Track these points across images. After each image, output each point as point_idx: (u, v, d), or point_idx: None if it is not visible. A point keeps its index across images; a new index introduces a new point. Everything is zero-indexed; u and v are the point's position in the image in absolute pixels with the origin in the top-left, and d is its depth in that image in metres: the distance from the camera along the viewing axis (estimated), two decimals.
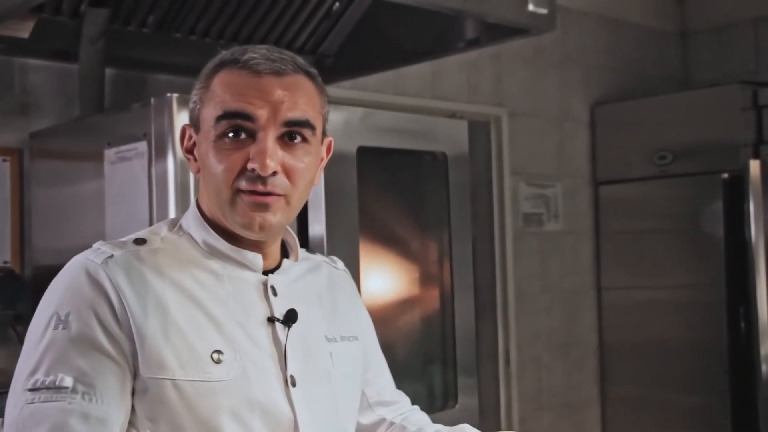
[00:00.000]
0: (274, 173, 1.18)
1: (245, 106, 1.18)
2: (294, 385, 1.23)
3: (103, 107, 2.47)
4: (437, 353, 2.47)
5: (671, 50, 4.58)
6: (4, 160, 2.46)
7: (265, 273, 1.27)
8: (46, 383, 1.09)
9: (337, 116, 2.17)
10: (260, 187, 1.18)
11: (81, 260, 1.19)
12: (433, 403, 2.42)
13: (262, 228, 1.21)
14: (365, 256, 2.23)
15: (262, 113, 1.18)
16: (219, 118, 1.19)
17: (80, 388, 1.10)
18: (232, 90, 1.19)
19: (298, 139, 1.21)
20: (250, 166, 1.18)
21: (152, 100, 1.96)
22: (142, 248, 1.22)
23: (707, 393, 3.78)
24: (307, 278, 1.36)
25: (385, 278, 2.36)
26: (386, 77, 3.33)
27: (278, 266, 1.30)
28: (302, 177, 1.22)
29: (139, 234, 1.26)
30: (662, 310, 3.94)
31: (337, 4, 2.84)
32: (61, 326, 1.12)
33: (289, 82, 1.20)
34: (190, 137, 1.27)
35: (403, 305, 2.38)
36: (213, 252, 1.25)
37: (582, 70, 4.15)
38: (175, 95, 1.91)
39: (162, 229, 1.29)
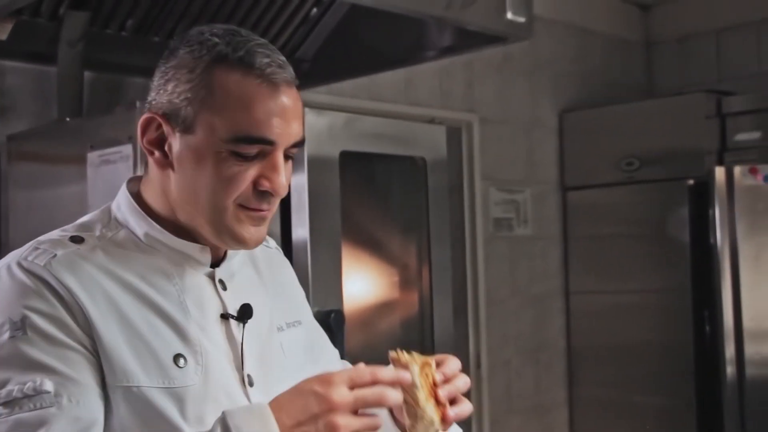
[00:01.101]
0: None
1: (270, 131, 1.11)
2: (252, 384, 1.19)
3: (82, 110, 2.47)
4: None
5: (636, 59, 4.67)
6: None
7: (211, 266, 1.21)
8: (24, 391, 1.01)
9: (320, 121, 2.20)
10: (265, 206, 1.15)
11: (20, 262, 1.10)
12: None
13: (257, 243, 1.18)
14: (347, 259, 2.25)
15: (281, 136, 1.13)
16: (239, 139, 1.11)
17: (62, 390, 1.03)
18: (253, 108, 1.10)
19: (292, 152, 1.18)
20: (264, 186, 1.13)
21: (137, 103, 1.96)
22: (82, 247, 1.13)
23: (673, 395, 3.84)
24: (249, 265, 1.30)
25: (366, 281, 2.38)
26: (361, 83, 3.35)
27: (223, 258, 1.23)
28: (286, 191, 1.19)
29: (71, 231, 1.16)
30: (629, 314, 4.01)
31: (315, 9, 2.86)
32: (19, 332, 1.04)
33: (295, 95, 1.15)
34: (158, 128, 1.15)
35: (384, 308, 2.41)
36: (156, 245, 1.17)
37: (551, 77, 4.21)
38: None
39: (96, 225, 1.19)
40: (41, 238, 1.15)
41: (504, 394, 3.93)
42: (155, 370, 1.10)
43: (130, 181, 1.26)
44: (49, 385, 1.02)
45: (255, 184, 1.13)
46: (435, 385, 1.12)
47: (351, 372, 1.05)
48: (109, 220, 1.20)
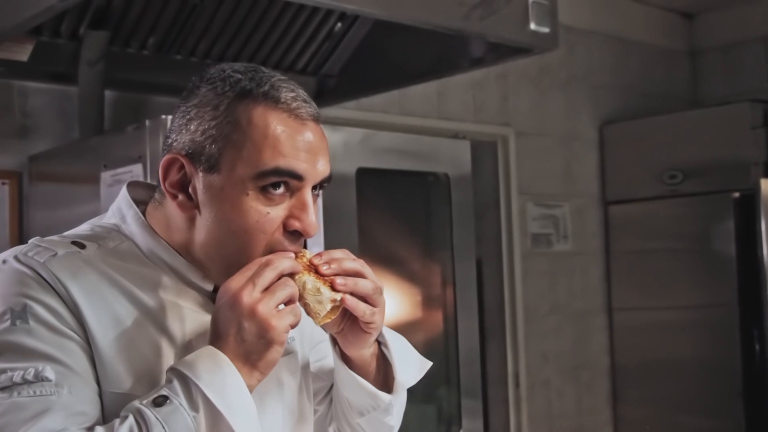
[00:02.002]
0: None
1: (298, 165, 1.08)
2: None
3: (103, 129, 2.46)
4: (441, 376, 2.43)
5: (679, 68, 4.55)
6: (3, 183, 2.45)
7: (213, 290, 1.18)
8: (24, 377, 1.00)
9: (336, 137, 2.15)
10: (295, 249, 1.11)
11: (18, 256, 1.08)
12: (438, 427, 2.38)
13: None
14: None
15: (309, 172, 1.09)
16: (266, 174, 1.07)
17: (64, 381, 1.01)
18: (280, 142, 1.07)
19: (319, 190, 1.15)
20: (294, 226, 1.09)
21: (147, 122, 1.94)
22: (83, 252, 1.11)
23: (721, 416, 3.71)
24: None
25: (387, 301, 2.32)
26: (391, 97, 3.31)
27: None
28: (316, 231, 1.16)
29: (73, 237, 1.14)
30: (675, 331, 3.89)
31: (339, 25, 2.83)
32: (20, 321, 1.03)
33: (320, 131, 1.13)
34: (181, 169, 1.12)
35: (406, 328, 2.34)
36: (157, 262, 1.14)
37: (589, 89, 4.12)
38: (170, 117, 1.89)
39: (97, 234, 1.16)
40: (42, 238, 1.13)
41: (544, 415, 3.83)
42: (146, 379, 1.08)
43: (131, 188, 1.21)
44: (50, 373, 1.01)
45: (284, 225, 1.10)
46: (313, 265, 1.10)
47: (246, 273, 1.05)
48: (110, 230, 1.17)
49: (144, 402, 0.99)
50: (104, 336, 1.06)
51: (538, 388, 3.81)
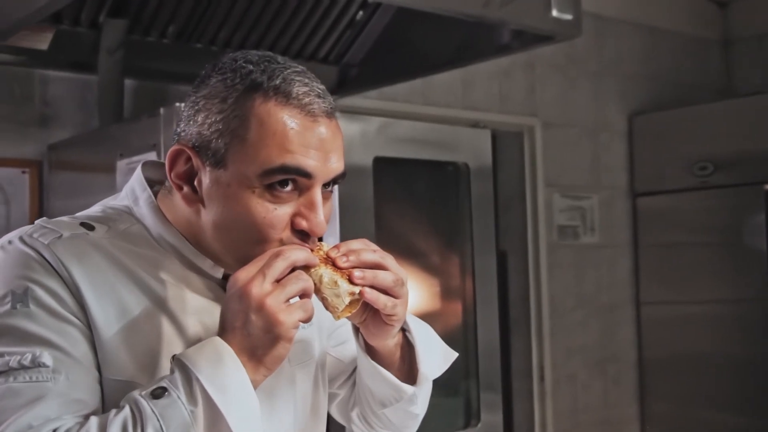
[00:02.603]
0: None
1: (307, 163, 1.04)
2: None
3: (122, 118, 2.46)
4: (459, 370, 2.40)
5: (712, 58, 4.46)
6: (24, 172, 2.46)
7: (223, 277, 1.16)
8: (21, 362, 0.98)
9: (352, 126, 2.13)
10: (306, 246, 1.07)
11: (23, 237, 1.06)
12: (455, 420, 2.35)
13: None
14: None
15: (319, 169, 1.05)
16: (274, 171, 1.03)
17: (61, 367, 0.99)
18: (289, 139, 1.03)
19: (332, 187, 1.11)
20: (300, 225, 1.05)
21: (161, 110, 1.93)
22: (91, 233, 1.08)
23: (753, 412, 3.64)
24: None
25: None
26: (415, 87, 3.28)
27: None
28: (324, 231, 1.12)
29: (84, 218, 1.11)
30: (704, 325, 3.82)
31: (361, 13, 2.80)
32: (20, 304, 1.00)
33: (334, 126, 1.09)
34: (187, 161, 1.08)
35: (424, 319, 2.31)
36: (167, 248, 1.12)
37: (618, 79, 4.05)
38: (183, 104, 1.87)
39: (108, 215, 1.13)
40: (50, 219, 1.11)
41: (570, 409, 3.78)
42: (150, 367, 1.05)
43: (146, 167, 1.19)
44: (48, 359, 0.99)
45: (292, 223, 1.07)
46: (330, 258, 1.06)
47: (258, 264, 1.01)
48: (122, 212, 1.14)
49: (143, 393, 0.97)
50: (106, 321, 1.04)
51: (564, 381, 3.76)
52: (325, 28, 2.78)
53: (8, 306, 1.01)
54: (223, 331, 1.01)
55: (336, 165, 1.08)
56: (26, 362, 0.98)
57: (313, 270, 1.03)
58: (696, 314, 3.85)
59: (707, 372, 3.79)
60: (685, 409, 3.86)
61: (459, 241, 2.37)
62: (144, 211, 1.14)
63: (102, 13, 2.40)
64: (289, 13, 2.64)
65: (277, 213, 1.05)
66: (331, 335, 1.33)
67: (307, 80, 1.06)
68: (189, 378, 0.96)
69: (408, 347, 1.19)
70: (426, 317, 2.38)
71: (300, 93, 1.04)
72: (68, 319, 1.02)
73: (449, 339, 2.43)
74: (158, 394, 0.96)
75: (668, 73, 4.24)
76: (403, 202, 2.31)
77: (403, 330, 1.19)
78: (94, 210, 1.16)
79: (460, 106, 3.46)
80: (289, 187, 1.04)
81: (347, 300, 1.03)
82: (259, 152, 1.03)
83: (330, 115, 1.08)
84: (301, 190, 1.06)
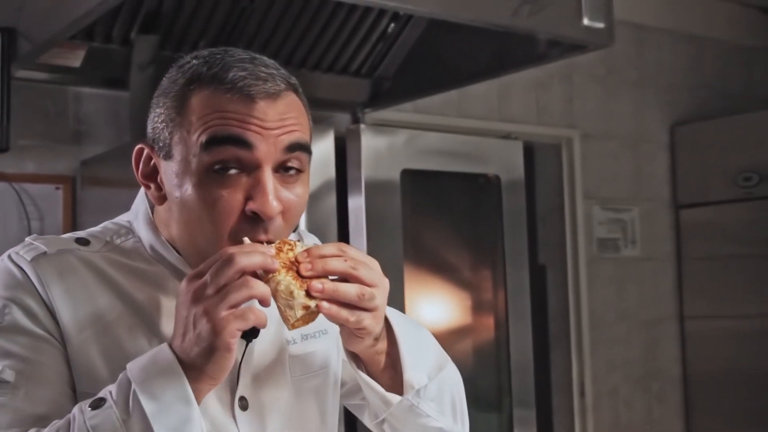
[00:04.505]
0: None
1: (240, 132, 1.00)
2: (244, 408, 1.09)
3: None
4: (492, 385, 2.36)
5: (757, 66, 4.36)
6: (57, 188, 2.48)
7: None
8: None
9: (379, 138, 2.11)
10: (262, 236, 1.02)
11: (11, 254, 1.07)
12: None
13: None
14: (412, 284, 2.14)
15: (260, 141, 1.01)
16: (206, 145, 1.00)
17: (23, 382, 0.99)
18: (221, 113, 1.01)
19: (294, 170, 1.05)
20: (250, 208, 1.01)
21: None
22: (84, 249, 1.08)
23: None
24: None
25: (434, 306, 2.26)
26: (450, 99, 3.25)
27: None
28: (297, 213, 1.07)
29: (82, 234, 1.12)
30: (751, 340, 3.72)
31: (392, 25, 2.79)
32: None
33: (284, 103, 1.04)
34: (149, 160, 1.09)
35: (454, 334, 2.28)
36: (159, 259, 1.11)
37: (659, 89, 3.98)
38: None
39: (108, 231, 1.13)
40: (39, 236, 1.12)
41: (612, 425, 3.70)
42: None
43: None
44: (9, 374, 1.00)
45: (244, 209, 1.03)
46: (297, 262, 0.99)
47: (206, 268, 0.96)
48: (122, 227, 1.14)
49: (85, 403, 0.95)
50: (82, 337, 1.03)
51: (605, 397, 3.69)
52: (356, 41, 2.77)
53: None
54: (172, 338, 0.97)
55: (286, 137, 1.03)
56: None
57: (271, 275, 0.97)
58: (742, 329, 3.74)
59: (754, 389, 3.69)
60: (732, 428, 3.76)
61: (490, 255, 2.33)
62: (140, 224, 1.14)
63: (133, 30, 2.42)
64: (321, 26, 2.64)
65: (226, 199, 1.01)
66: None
67: (249, 66, 1.03)
68: (127, 386, 0.94)
69: (396, 352, 1.12)
70: (457, 332, 2.36)
71: (236, 77, 1.02)
72: (40, 335, 1.02)
73: (480, 355, 2.40)
74: (96, 404, 0.94)
75: (711, 82, 4.15)
76: (433, 215, 2.28)
77: (391, 334, 1.12)
78: (98, 226, 1.17)
79: (496, 118, 3.43)
80: (233, 170, 1.01)
81: (299, 313, 0.98)
82: (194, 133, 1.02)
83: (273, 96, 1.03)
84: (249, 171, 1.02)
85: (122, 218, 1.18)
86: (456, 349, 2.31)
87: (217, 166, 1.01)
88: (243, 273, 0.95)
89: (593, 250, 3.69)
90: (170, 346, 0.97)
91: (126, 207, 1.16)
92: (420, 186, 2.17)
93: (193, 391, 0.94)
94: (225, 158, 1.01)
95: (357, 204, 2.03)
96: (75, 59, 2.42)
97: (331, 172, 2.04)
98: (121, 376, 0.96)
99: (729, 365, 3.79)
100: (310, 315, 0.99)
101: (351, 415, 1.42)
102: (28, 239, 1.11)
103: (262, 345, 1.13)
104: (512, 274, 2.32)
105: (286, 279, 0.98)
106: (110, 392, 0.95)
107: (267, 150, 1.02)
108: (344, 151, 2.09)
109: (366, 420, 1.30)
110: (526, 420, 2.34)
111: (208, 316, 0.93)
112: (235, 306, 0.94)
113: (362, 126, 2.06)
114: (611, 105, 3.81)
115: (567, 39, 2.26)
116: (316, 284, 0.98)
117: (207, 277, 0.95)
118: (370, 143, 2.04)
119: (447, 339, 2.29)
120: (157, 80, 2.51)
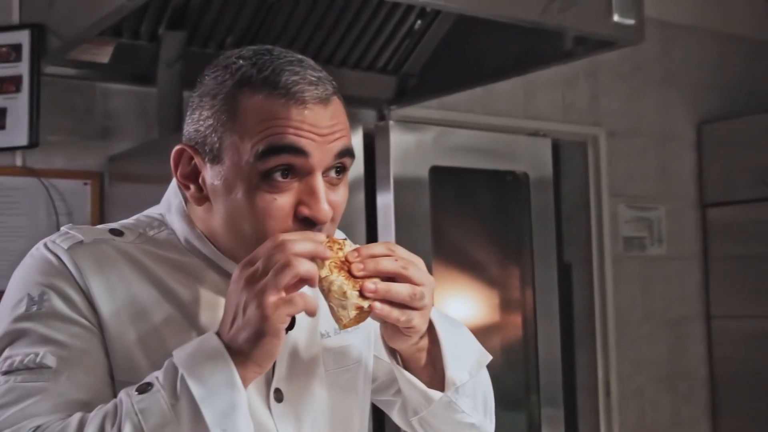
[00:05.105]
0: None
1: (297, 140, 1.01)
2: (280, 400, 1.09)
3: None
4: (519, 383, 2.34)
5: None
6: (85, 184, 2.49)
7: None
8: (24, 363, 0.98)
9: (408, 135, 2.10)
10: (325, 235, 1.03)
11: (47, 243, 1.07)
12: None
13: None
14: (440, 281, 2.13)
15: (314, 149, 1.02)
16: (263, 154, 1.00)
17: (64, 368, 0.99)
18: (276, 120, 1.01)
19: (341, 173, 1.06)
20: (303, 213, 1.02)
21: None
22: (118, 239, 1.08)
23: None
24: None
25: (463, 304, 2.25)
26: (475, 96, 3.24)
27: None
28: (341, 214, 1.08)
29: (115, 225, 1.13)
30: None
31: (419, 22, 2.78)
32: (35, 307, 1.02)
33: (331, 112, 1.04)
34: (190, 160, 1.08)
35: (482, 332, 2.27)
36: (193, 252, 1.11)
37: (686, 87, 3.94)
38: None
39: (141, 223, 1.14)
40: (77, 225, 1.12)
41: (637, 426, 3.68)
42: None
43: None
44: (51, 360, 0.99)
45: (295, 213, 1.04)
46: (348, 262, 1.00)
47: (258, 255, 0.97)
48: (155, 219, 1.15)
49: (131, 389, 0.95)
50: (121, 324, 1.03)
51: (631, 397, 3.66)
52: (383, 38, 2.76)
53: (23, 309, 1.02)
54: (221, 325, 0.98)
55: (335, 148, 1.04)
56: (30, 363, 0.99)
57: (325, 276, 0.98)
58: None
59: None
60: (760, 429, 3.72)
61: (518, 253, 2.31)
62: (174, 217, 1.13)
63: (161, 26, 2.42)
64: (347, 22, 2.64)
65: (277, 203, 1.02)
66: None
67: (299, 69, 1.03)
68: (174, 372, 0.94)
69: (437, 349, 1.13)
70: (485, 330, 2.35)
71: (289, 82, 1.02)
72: (80, 322, 1.02)
73: (508, 353, 2.39)
74: (143, 389, 0.95)
75: (738, 80, 4.11)
76: (461, 212, 2.27)
77: (432, 331, 1.12)
78: (130, 219, 1.17)
79: (522, 115, 3.41)
80: (287, 176, 1.02)
81: (352, 314, 0.98)
82: (248, 141, 1.01)
83: (324, 101, 1.03)
84: (301, 177, 1.03)
85: (153, 211, 1.18)
86: (484, 347, 2.30)
87: (270, 173, 1.02)
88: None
89: (619, 249, 3.66)
90: (217, 334, 0.97)
91: (153, 202, 1.17)
92: (448, 183, 2.16)
93: (240, 378, 0.95)
94: (279, 165, 1.01)
95: (385, 201, 2.02)
96: (103, 55, 2.43)
97: (360, 169, 2.03)
98: (166, 362, 0.96)
99: (757, 365, 3.75)
100: (361, 315, 1.00)
101: (379, 411, 1.41)
102: (63, 228, 1.10)
103: (296, 337, 1.14)
104: (540, 272, 2.31)
105: (339, 279, 0.98)
106: (157, 377, 0.95)
107: (320, 157, 1.03)
108: (371, 148, 2.08)
109: (395, 416, 1.31)
110: (554, 419, 2.32)
111: (257, 300, 0.94)
112: (284, 289, 0.94)
113: (391, 122, 2.05)
114: (637, 103, 3.78)
115: (596, 36, 2.25)
116: (370, 285, 0.99)
117: (259, 263, 0.96)
118: (399, 140, 2.03)
119: (475, 336, 2.28)
120: (185, 76, 2.53)
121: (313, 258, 0.98)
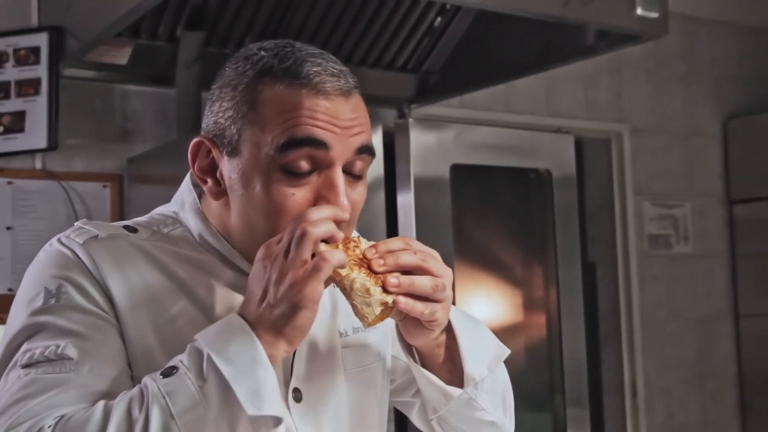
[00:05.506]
0: None
1: (318, 132, 0.99)
2: (298, 400, 1.07)
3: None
4: (544, 384, 2.31)
5: None
6: (105, 186, 2.48)
7: None
8: (45, 354, 0.97)
9: (428, 134, 2.07)
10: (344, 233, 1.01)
11: (61, 238, 1.06)
12: None
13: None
14: (462, 281, 2.10)
15: (335, 141, 1.00)
16: (284, 147, 0.99)
17: (86, 359, 0.97)
18: (297, 111, 0.99)
19: (360, 170, 1.05)
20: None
21: None
22: (133, 235, 1.07)
23: None
24: None
25: (484, 304, 2.22)
26: (497, 94, 3.20)
27: None
28: (358, 213, 1.07)
29: (128, 222, 1.11)
30: None
31: (439, 19, 2.75)
32: (52, 300, 1.00)
33: (353, 105, 1.03)
34: (208, 153, 1.06)
35: (506, 332, 2.24)
36: (207, 248, 1.09)
37: (711, 82, 3.89)
38: None
39: (155, 220, 1.12)
40: (91, 221, 1.10)
41: (665, 426, 3.63)
42: None
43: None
44: (72, 351, 0.97)
45: None
46: (366, 259, 0.98)
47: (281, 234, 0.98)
48: (168, 217, 1.13)
49: (155, 374, 0.94)
50: (137, 318, 1.02)
51: (658, 397, 3.61)
52: (403, 36, 2.74)
53: (40, 303, 1.01)
54: (244, 303, 0.97)
55: (356, 142, 1.02)
56: (51, 355, 0.97)
57: (345, 274, 0.96)
58: None
59: None
60: None
61: (542, 252, 2.28)
62: (188, 214, 1.12)
63: (179, 26, 2.41)
64: (366, 20, 2.61)
65: (296, 198, 1.01)
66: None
67: (321, 61, 1.02)
68: (199, 353, 0.93)
69: (454, 345, 1.10)
70: (508, 330, 2.31)
71: (310, 72, 1.00)
72: (98, 314, 1.00)
73: (532, 353, 2.35)
74: (167, 372, 0.93)
75: (764, 74, 4.05)
76: (483, 210, 2.23)
77: (449, 327, 1.10)
78: (144, 217, 1.15)
79: (544, 113, 3.37)
80: (306, 169, 1.00)
81: (378, 310, 0.96)
82: (269, 133, 1.00)
83: (346, 93, 1.02)
84: (321, 170, 1.01)
85: (166, 209, 1.16)
86: (508, 347, 2.27)
87: (290, 166, 1.00)
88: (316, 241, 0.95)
89: (644, 247, 3.61)
90: (240, 314, 0.96)
91: (165, 203, 1.16)
92: (470, 181, 2.12)
93: (269, 356, 0.94)
94: (299, 158, 1.00)
95: (406, 200, 1.99)
96: (122, 57, 2.43)
97: (380, 168, 2.00)
98: (189, 346, 0.95)
99: None
100: (385, 311, 0.98)
101: (401, 416, 1.39)
102: (77, 224, 1.09)
103: (315, 336, 1.11)
104: (564, 271, 2.27)
105: (360, 276, 0.96)
106: (180, 360, 0.94)
107: (341, 150, 1.01)
108: (391, 147, 2.06)
109: (415, 417, 1.29)
110: (579, 420, 2.28)
111: (288, 276, 0.93)
112: (306, 260, 0.94)
113: (411, 120, 2.02)
114: (662, 98, 3.73)
115: (619, 30, 2.21)
116: (392, 279, 0.97)
117: (284, 238, 0.96)
118: (419, 138, 2.00)
119: (498, 337, 2.24)
120: (203, 77, 2.52)
121: (333, 220, 0.98)
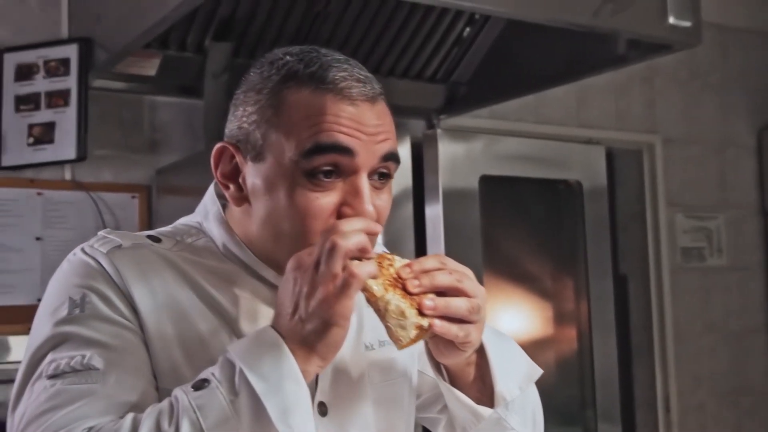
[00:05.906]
0: None
1: (344, 138, 0.98)
2: (324, 414, 1.05)
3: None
4: (575, 398, 2.27)
5: None
6: (133, 197, 2.48)
7: None
8: (71, 365, 0.95)
9: (456, 145, 2.04)
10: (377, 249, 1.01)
11: (85, 248, 1.05)
12: None
13: None
14: (492, 294, 2.07)
15: (361, 147, 0.99)
16: (309, 152, 0.98)
17: (112, 369, 0.96)
18: (322, 117, 0.98)
19: (387, 177, 1.03)
20: (347, 214, 0.99)
21: None
22: (156, 245, 1.06)
23: None
24: None
25: (514, 317, 2.19)
26: (527, 104, 3.17)
27: None
28: (385, 220, 1.05)
29: (152, 232, 1.11)
30: None
31: (468, 29, 2.73)
32: (77, 310, 0.99)
33: (378, 111, 1.01)
34: (231, 159, 1.06)
35: (536, 346, 2.20)
36: (232, 258, 1.08)
37: (746, 91, 3.83)
38: None
39: (178, 231, 1.12)
40: (114, 230, 1.10)
41: None
42: None
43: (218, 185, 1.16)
44: (98, 361, 0.96)
45: (338, 215, 1.00)
46: (401, 279, 0.96)
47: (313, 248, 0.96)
48: (192, 227, 1.13)
49: (185, 386, 0.92)
50: (162, 328, 1.00)
51: (692, 413, 3.55)
52: (431, 46, 2.72)
53: (65, 313, 1.00)
54: (276, 316, 0.96)
55: (382, 149, 1.01)
56: (77, 365, 0.96)
57: (380, 296, 0.94)
58: None
59: None
60: None
61: (572, 264, 2.24)
62: (212, 224, 1.11)
63: (207, 37, 2.41)
64: (395, 31, 2.60)
65: (320, 203, 0.99)
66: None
67: (347, 66, 1.02)
68: (231, 367, 0.91)
69: (485, 364, 1.08)
70: (539, 343, 2.28)
71: (336, 77, 1.00)
72: (122, 323, 0.99)
73: (563, 367, 2.31)
74: (199, 385, 0.91)
75: None
76: (512, 222, 2.21)
77: (480, 345, 1.07)
78: (168, 227, 1.14)
79: (574, 123, 3.34)
80: (331, 176, 0.99)
81: (413, 334, 0.94)
82: (293, 138, 0.99)
83: (372, 100, 1.01)
84: (346, 176, 1.00)
85: (190, 219, 1.16)
86: (537, 361, 2.22)
87: (315, 172, 0.99)
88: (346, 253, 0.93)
89: (677, 260, 3.56)
90: (273, 327, 0.95)
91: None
92: (499, 193, 2.10)
93: (302, 372, 0.92)
94: (325, 164, 0.99)
95: (434, 212, 1.97)
96: (150, 68, 2.43)
97: (408, 180, 1.98)
98: (221, 358, 0.93)
99: None
100: (420, 333, 0.96)
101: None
102: (101, 233, 1.08)
103: (340, 350, 1.09)
104: (595, 283, 2.23)
105: (395, 298, 0.94)
106: (212, 373, 0.92)
107: (366, 157, 1.00)
108: (420, 158, 2.04)
109: None
110: None
111: (318, 292, 0.91)
112: (337, 273, 0.92)
113: (439, 131, 2.00)
114: (694, 109, 3.68)
115: (651, 39, 2.18)
116: (428, 302, 0.95)
117: (315, 252, 0.93)
118: (448, 149, 1.98)
119: (528, 350, 2.20)
120: (231, 87, 2.50)
121: (365, 233, 0.95)
